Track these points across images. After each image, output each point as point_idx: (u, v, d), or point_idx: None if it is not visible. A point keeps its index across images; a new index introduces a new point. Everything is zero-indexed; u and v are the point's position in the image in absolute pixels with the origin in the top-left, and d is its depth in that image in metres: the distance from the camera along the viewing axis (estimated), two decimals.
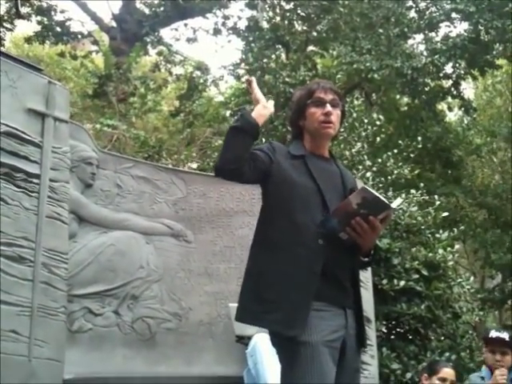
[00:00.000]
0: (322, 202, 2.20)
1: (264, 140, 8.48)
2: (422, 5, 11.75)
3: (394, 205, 2.15)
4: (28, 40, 12.20)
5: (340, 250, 2.19)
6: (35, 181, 3.59)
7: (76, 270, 4.20)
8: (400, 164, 7.33)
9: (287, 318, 2.07)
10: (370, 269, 5.01)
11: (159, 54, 12.81)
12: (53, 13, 12.29)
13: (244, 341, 4.29)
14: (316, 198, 2.20)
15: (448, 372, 4.08)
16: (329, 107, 2.31)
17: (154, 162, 6.88)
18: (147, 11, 12.73)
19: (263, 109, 2.32)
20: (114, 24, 12.81)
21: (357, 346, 2.24)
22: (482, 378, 3.99)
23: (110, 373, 4.09)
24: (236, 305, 4.40)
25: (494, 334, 4.04)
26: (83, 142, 4.38)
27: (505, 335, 3.92)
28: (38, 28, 12.15)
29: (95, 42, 12.88)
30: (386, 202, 2.09)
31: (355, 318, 2.25)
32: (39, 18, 12.11)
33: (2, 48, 10.34)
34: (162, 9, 12.55)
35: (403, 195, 6.69)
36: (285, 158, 2.27)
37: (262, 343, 3.90)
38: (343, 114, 2.44)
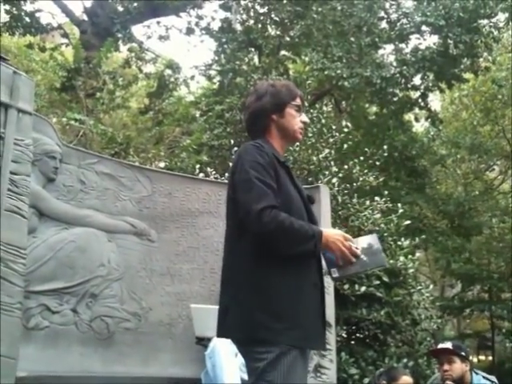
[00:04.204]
0: (306, 214, 2.24)
1: (233, 141, 8.48)
2: (394, 16, 11.95)
3: (387, 264, 2.27)
4: None
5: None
6: None
7: (34, 265, 4.12)
8: (365, 171, 7.40)
9: (310, 333, 2.09)
10: None
11: (130, 50, 12.67)
12: (22, 2, 12.03)
13: (204, 342, 4.27)
14: (303, 210, 2.24)
15: (407, 380, 4.13)
16: (306, 118, 2.41)
17: (120, 159, 6.79)
18: (119, 8, 12.57)
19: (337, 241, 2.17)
20: (85, 17, 12.61)
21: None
22: None
23: (66, 371, 4.02)
24: (199, 306, 4.44)
25: (438, 346, 4.11)
26: (47, 135, 4.30)
27: (448, 344, 3.97)
28: (6, 18, 11.87)
29: (65, 35, 12.65)
30: (385, 259, 2.20)
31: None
32: (7, 7, 11.83)
33: None
34: (134, 5, 12.42)
35: (367, 202, 6.77)
36: (277, 166, 2.23)
37: (221, 346, 3.88)
38: None
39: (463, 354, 3.87)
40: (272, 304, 2.07)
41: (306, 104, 9.28)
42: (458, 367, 3.82)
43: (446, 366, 3.83)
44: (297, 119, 2.36)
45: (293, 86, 2.44)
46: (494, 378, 4.01)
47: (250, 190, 2.12)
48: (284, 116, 2.33)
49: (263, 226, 2.07)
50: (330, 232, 2.20)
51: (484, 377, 3.98)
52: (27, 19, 11.86)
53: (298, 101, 2.38)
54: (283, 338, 2.03)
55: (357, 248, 2.17)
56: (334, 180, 6.80)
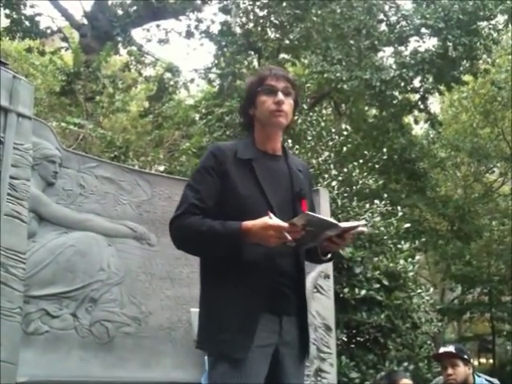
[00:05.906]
0: (292, 212, 2.10)
1: (226, 137, 8.49)
2: (393, 19, 11.96)
3: (344, 224, 2.08)
4: None
5: (283, 257, 2.11)
6: None
7: (34, 270, 4.10)
8: (365, 174, 7.40)
9: (234, 341, 2.00)
10: (332, 277, 5.05)
11: (130, 53, 12.68)
12: (22, 7, 12.05)
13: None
14: (265, 210, 2.04)
15: (407, 383, 4.12)
16: (280, 95, 2.16)
17: (120, 162, 6.78)
18: (119, 11, 12.59)
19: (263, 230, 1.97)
20: (85, 21, 12.63)
21: (300, 353, 2.17)
22: None
23: (65, 376, 4.01)
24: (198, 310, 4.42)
25: (440, 349, 4.08)
26: (47, 139, 4.29)
27: (451, 348, 3.94)
28: (6, 22, 11.89)
29: (65, 39, 12.66)
30: (333, 221, 1.99)
31: (299, 326, 2.16)
32: (7, 11, 11.85)
33: None
34: (134, 8, 12.45)
35: (367, 205, 6.77)
36: (231, 164, 2.12)
37: None
38: (296, 104, 2.27)
39: (466, 357, 3.85)
40: (206, 310, 2.12)
41: (306, 107, 9.30)
42: (461, 371, 3.79)
43: (450, 370, 3.80)
44: (267, 103, 2.16)
45: (263, 70, 2.28)
46: (496, 381, 4.00)
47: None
48: (257, 107, 2.21)
49: (171, 235, 2.13)
50: (251, 225, 1.98)
51: (486, 379, 3.97)
52: (27, 23, 11.88)
53: (267, 82, 2.18)
54: (211, 346, 2.07)
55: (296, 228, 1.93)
56: (334, 183, 6.81)
